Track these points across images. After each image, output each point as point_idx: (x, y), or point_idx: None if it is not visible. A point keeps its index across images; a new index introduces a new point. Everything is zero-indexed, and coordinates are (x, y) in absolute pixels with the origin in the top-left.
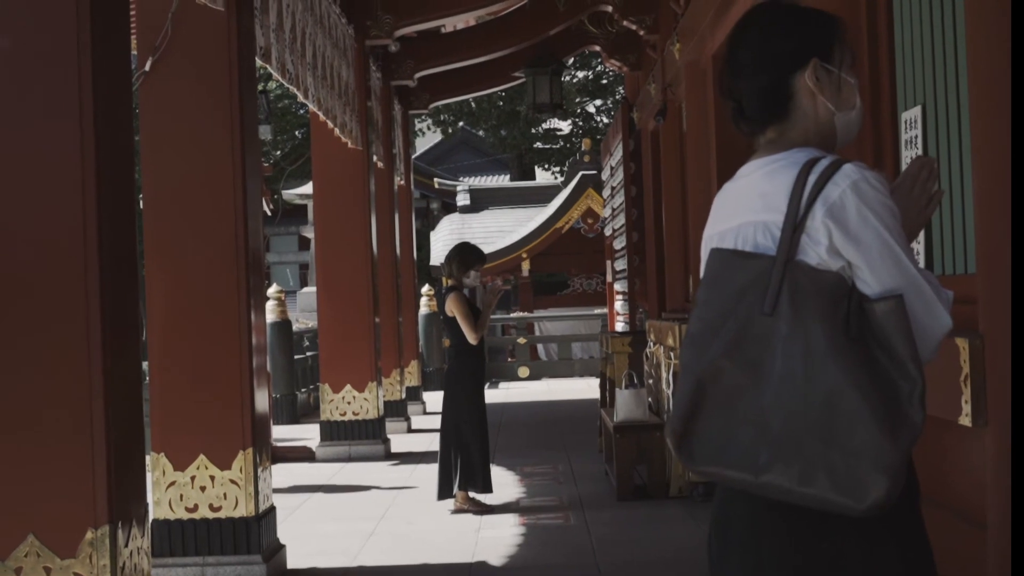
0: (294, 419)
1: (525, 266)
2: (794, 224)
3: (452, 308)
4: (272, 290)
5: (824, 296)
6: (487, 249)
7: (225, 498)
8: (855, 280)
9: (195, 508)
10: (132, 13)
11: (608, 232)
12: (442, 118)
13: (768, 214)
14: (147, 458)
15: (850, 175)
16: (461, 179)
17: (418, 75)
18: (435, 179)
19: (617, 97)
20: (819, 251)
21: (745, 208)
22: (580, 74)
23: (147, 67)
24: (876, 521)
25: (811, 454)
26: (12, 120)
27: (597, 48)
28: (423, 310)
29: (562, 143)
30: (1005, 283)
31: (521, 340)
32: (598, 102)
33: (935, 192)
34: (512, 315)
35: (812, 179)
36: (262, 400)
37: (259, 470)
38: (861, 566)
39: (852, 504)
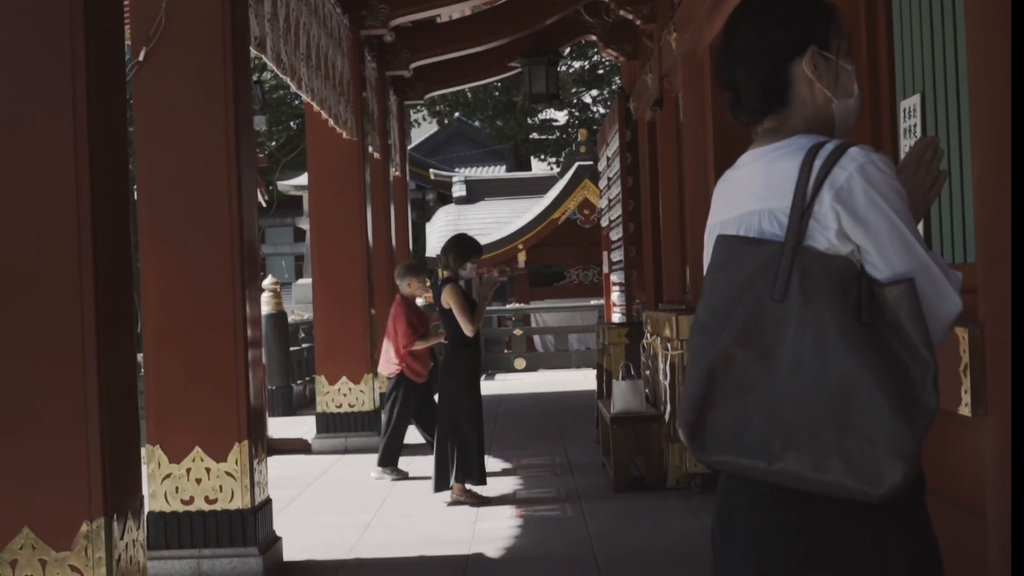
0: (290, 411)
1: (521, 257)
2: (802, 209)
3: (448, 300)
4: (267, 282)
5: (834, 281)
6: (483, 240)
7: (221, 490)
8: (864, 264)
9: (191, 500)
10: (125, 3)
11: (604, 223)
12: (438, 109)
13: (773, 201)
14: (142, 450)
15: (856, 158)
16: (457, 170)
17: (413, 65)
18: (431, 170)
19: (613, 87)
20: (828, 235)
21: (748, 197)
22: (576, 64)
23: (141, 57)
24: (883, 512)
25: (824, 440)
26: (4, 112)
27: (593, 38)
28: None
29: (558, 134)
30: (1005, 272)
31: (517, 331)
32: (594, 92)
33: (939, 173)
34: (508, 306)
35: (818, 164)
36: (257, 392)
37: (255, 462)
38: (868, 558)
39: (868, 490)
